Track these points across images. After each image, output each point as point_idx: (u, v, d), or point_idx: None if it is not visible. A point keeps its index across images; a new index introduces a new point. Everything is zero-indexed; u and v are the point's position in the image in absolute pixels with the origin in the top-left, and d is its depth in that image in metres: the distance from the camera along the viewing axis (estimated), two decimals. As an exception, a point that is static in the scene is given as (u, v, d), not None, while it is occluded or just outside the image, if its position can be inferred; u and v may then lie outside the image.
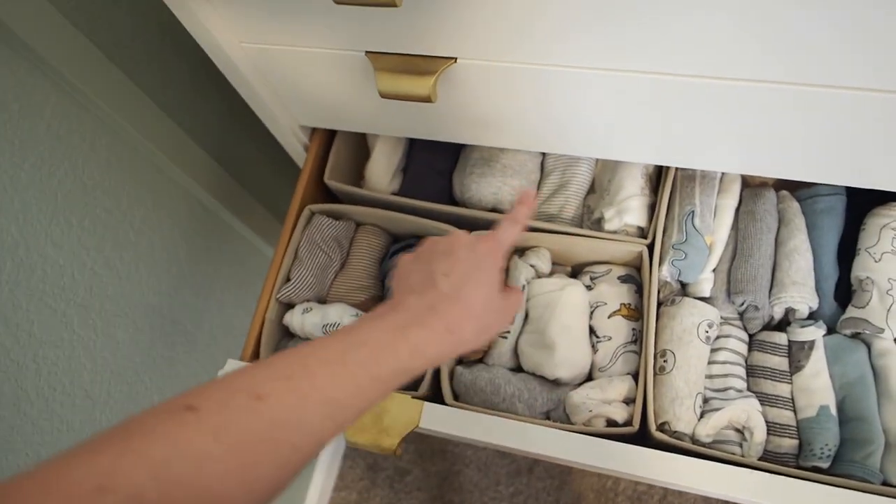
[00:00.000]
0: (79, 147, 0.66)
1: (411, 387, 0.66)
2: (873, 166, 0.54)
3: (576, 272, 0.72)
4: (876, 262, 0.58)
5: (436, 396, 0.64)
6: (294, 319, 0.70)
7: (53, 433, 0.68)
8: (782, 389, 0.60)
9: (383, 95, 0.58)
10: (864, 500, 0.52)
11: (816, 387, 0.58)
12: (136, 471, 0.28)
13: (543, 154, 0.74)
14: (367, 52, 0.57)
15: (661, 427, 0.58)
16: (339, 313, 0.68)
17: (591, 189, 0.73)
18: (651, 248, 0.64)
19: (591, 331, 0.67)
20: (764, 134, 0.53)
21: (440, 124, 0.64)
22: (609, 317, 0.66)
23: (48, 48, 0.60)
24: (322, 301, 0.73)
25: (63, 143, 0.65)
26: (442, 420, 0.60)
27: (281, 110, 0.69)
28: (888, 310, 0.57)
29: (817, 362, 0.59)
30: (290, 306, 0.72)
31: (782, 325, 0.63)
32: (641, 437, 0.60)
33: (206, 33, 0.56)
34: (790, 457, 0.58)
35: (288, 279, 0.71)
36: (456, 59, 0.55)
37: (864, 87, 0.45)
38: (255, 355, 0.68)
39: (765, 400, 0.60)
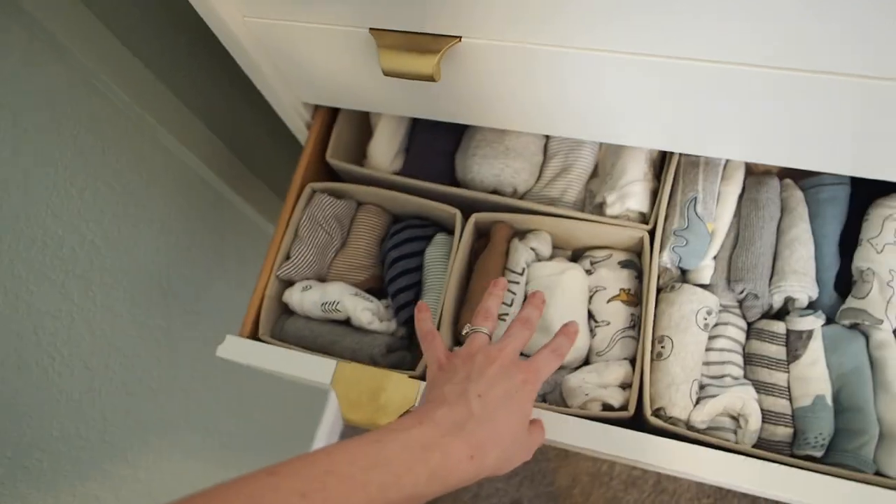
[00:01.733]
0: (80, 119, 0.66)
1: (409, 366, 0.66)
2: (879, 156, 0.54)
3: (576, 256, 0.72)
4: (878, 253, 0.58)
5: (433, 376, 0.64)
6: (293, 297, 0.70)
7: (52, 403, 0.69)
8: (779, 378, 0.60)
9: (386, 73, 0.57)
10: (856, 490, 0.52)
11: (813, 376, 0.58)
12: None
13: (547, 137, 0.73)
14: (371, 28, 0.57)
15: (657, 412, 0.59)
16: (339, 292, 0.68)
17: (594, 173, 0.73)
18: (652, 233, 0.64)
19: (590, 315, 0.67)
20: (770, 122, 0.53)
21: (443, 104, 0.64)
22: (608, 301, 0.66)
23: (51, 19, 0.59)
24: (322, 279, 0.73)
25: (64, 115, 0.64)
26: (438, 400, 0.60)
27: (284, 87, 0.69)
28: (888, 301, 0.57)
29: (815, 352, 0.59)
30: (289, 284, 0.72)
31: (781, 314, 0.63)
32: (637, 422, 0.60)
33: (208, 6, 0.56)
34: (784, 445, 0.58)
35: (288, 257, 0.71)
36: (461, 38, 0.55)
37: (873, 75, 0.45)
38: (254, 331, 0.69)
39: (761, 388, 0.60)
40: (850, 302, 0.59)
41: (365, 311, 0.67)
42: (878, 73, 0.44)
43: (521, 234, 0.70)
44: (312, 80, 0.67)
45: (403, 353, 0.69)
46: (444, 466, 0.41)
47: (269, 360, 0.65)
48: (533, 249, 0.68)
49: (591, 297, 0.67)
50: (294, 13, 0.57)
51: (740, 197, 0.65)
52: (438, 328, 0.64)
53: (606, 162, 0.71)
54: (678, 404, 0.58)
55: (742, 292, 0.61)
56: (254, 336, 0.69)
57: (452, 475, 0.41)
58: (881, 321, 0.56)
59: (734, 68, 0.48)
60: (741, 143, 0.57)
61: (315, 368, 0.63)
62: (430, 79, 0.56)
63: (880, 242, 0.58)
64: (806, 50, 0.44)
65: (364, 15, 0.56)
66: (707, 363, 0.61)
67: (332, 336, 0.68)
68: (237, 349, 0.66)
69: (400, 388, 0.60)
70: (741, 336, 0.62)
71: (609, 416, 0.59)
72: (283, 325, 0.71)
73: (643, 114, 0.57)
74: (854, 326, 0.60)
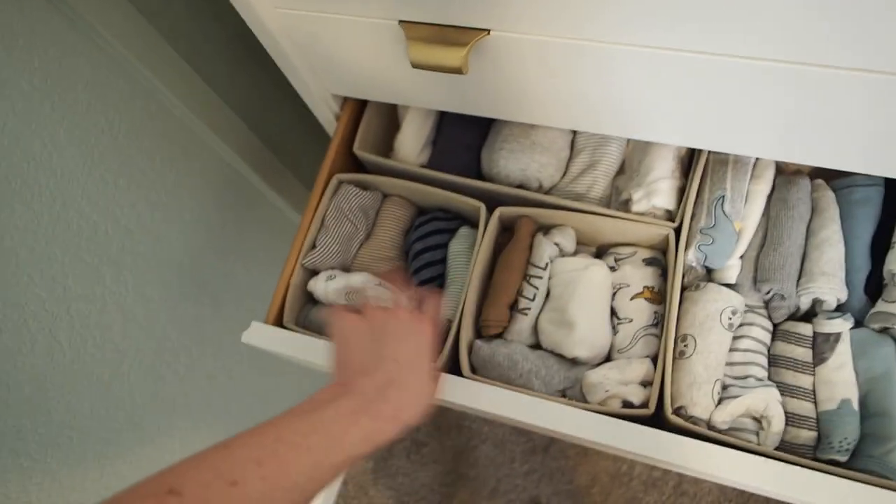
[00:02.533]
0: (115, 107, 0.68)
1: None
2: None
3: (601, 253, 0.71)
4: (910, 256, 0.57)
5: (453, 369, 0.65)
6: (318, 286, 0.71)
7: (83, 383, 0.71)
8: (804, 381, 0.59)
9: (415, 65, 0.57)
10: (881, 496, 0.52)
11: (839, 380, 0.57)
12: None
13: (574, 132, 0.73)
14: (400, 20, 0.57)
15: (678, 411, 0.58)
16: (363, 281, 0.69)
17: (621, 170, 0.72)
18: (678, 231, 0.63)
19: (613, 312, 0.67)
20: (801, 120, 0.52)
21: (471, 97, 0.64)
22: (631, 299, 0.65)
23: (91, 11, 0.61)
24: (347, 269, 0.74)
25: (101, 102, 0.66)
26: (457, 391, 0.60)
27: (313, 78, 0.70)
28: (920, 306, 0.55)
29: (842, 355, 0.58)
30: (314, 273, 0.73)
31: (808, 315, 0.62)
32: (657, 421, 0.60)
33: (241, -3, 0.57)
34: (807, 448, 0.57)
35: (314, 246, 0.72)
36: (489, 31, 0.55)
37: (908, 73, 0.44)
38: (279, 319, 0.70)
39: (785, 390, 0.59)
40: (881, 306, 0.58)
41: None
42: (913, 72, 0.44)
43: (546, 229, 0.70)
44: (341, 72, 0.68)
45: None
46: (374, 428, 0.46)
47: (292, 347, 0.66)
48: (557, 245, 0.68)
49: (614, 294, 0.67)
50: (324, 4, 0.58)
51: (770, 197, 0.64)
52: (460, 321, 0.65)
53: (633, 159, 0.71)
54: (699, 404, 0.57)
55: (769, 293, 0.60)
56: (279, 324, 0.70)
57: (380, 435, 0.46)
58: (911, 326, 0.55)
59: (762, 64, 0.47)
60: (770, 142, 0.57)
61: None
62: (458, 71, 0.56)
63: (913, 245, 0.57)
64: (838, 46, 0.44)
65: (394, 7, 0.56)
66: (731, 363, 0.61)
67: (356, 325, 0.68)
68: (261, 336, 0.67)
69: (420, 378, 0.61)
70: (766, 337, 0.62)
71: (629, 414, 0.59)
72: (308, 314, 0.72)
73: (671, 110, 0.57)
74: (884, 331, 0.59)
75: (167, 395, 0.85)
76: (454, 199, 0.71)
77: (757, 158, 0.65)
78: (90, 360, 0.71)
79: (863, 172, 0.61)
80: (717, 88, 0.51)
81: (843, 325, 0.58)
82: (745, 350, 0.60)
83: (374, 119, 0.78)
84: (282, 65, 0.67)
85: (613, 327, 0.66)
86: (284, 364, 0.89)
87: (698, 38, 0.47)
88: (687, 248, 0.62)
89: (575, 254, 0.69)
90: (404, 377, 0.50)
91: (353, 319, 0.55)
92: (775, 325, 0.63)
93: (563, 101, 0.60)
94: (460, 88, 0.63)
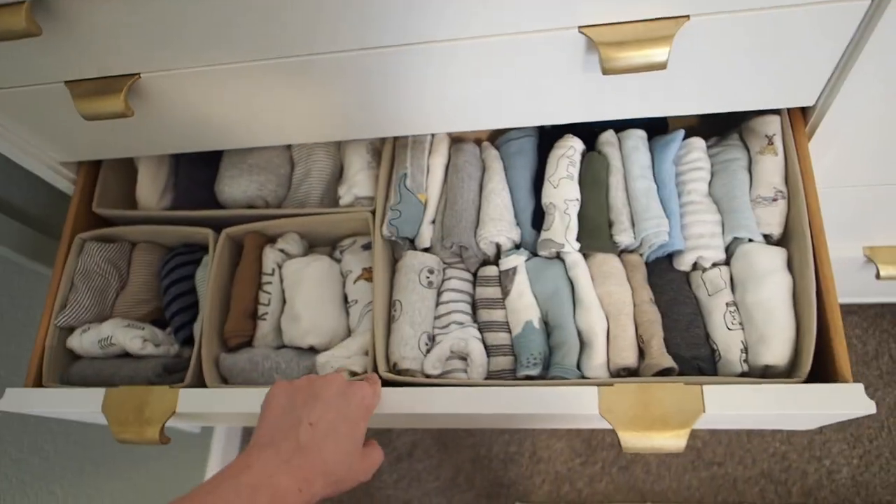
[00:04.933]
0: None
1: (178, 378, 0.71)
2: (543, 106, 0.61)
3: (333, 248, 0.78)
4: (554, 188, 0.66)
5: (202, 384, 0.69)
6: (74, 341, 0.74)
7: None
8: (497, 315, 0.66)
9: (87, 118, 0.63)
10: (562, 393, 0.59)
11: (521, 306, 0.65)
12: None
13: (290, 147, 0.80)
14: (65, 81, 0.62)
15: (393, 368, 0.64)
16: (111, 327, 0.73)
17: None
18: (375, 213, 0.70)
19: (346, 298, 0.73)
20: (454, 94, 0.60)
21: (161, 136, 0.70)
22: (355, 282, 0.72)
23: None
24: (105, 320, 0.77)
25: None
26: (200, 401, 0.65)
27: (34, 153, 0.74)
28: (567, 227, 0.64)
29: (520, 285, 0.66)
30: (72, 330, 0.76)
31: (498, 259, 0.70)
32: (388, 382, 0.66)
33: None
34: (508, 372, 0.64)
35: (64, 306, 0.75)
36: (139, 74, 0.61)
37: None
38: (38, 381, 0.72)
39: (484, 327, 0.66)
40: (543, 234, 0.66)
41: (135, 338, 0.71)
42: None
43: (273, 239, 0.76)
44: (51, 140, 0.73)
45: (184, 372, 0.73)
46: (275, 503, 0.44)
47: (53, 404, 0.69)
48: (282, 251, 0.74)
49: (344, 282, 0.73)
50: (2, 79, 0.62)
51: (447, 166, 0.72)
52: (200, 338, 0.69)
53: (343, 159, 0.78)
54: (408, 356, 0.64)
55: (451, 246, 0.68)
56: (38, 385, 0.72)
57: None
58: (562, 245, 0.64)
59: (397, 50, 0.55)
60: (435, 118, 0.65)
61: (87, 400, 0.67)
62: (124, 115, 0.62)
63: (556, 178, 0.66)
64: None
65: (55, 70, 0.61)
66: (437, 316, 0.68)
67: (112, 369, 0.72)
68: (18, 400, 0.69)
69: (162, 399, 0.65)
70: (467, 286, 0.69)
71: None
72: (70, 370, 0.74)
73: (332, 111, 0.64)
74: (557, 256, 0.67)
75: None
76: (189, 233, 0.76)
77: (432, 135, 0.73)
78: None
79: (513, 127, 0.70)
80: (374, 81, 0.59)
81: (517, 259, 0.67)
82: (447, 302, 0.68)
83: (112, 174, 0.82)
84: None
85: (348, 311, 0.72)
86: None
87: (314, 41, 0.55)
88: (382, 225, 0.69)
89: (306, 255, 0.76)
90: (317, 442, 0.48)
91: (280, 385, 0.54)
92: (474, 274, 0.70)
93: (241, 122, 0.67)
94: (146, 130, 0.68)
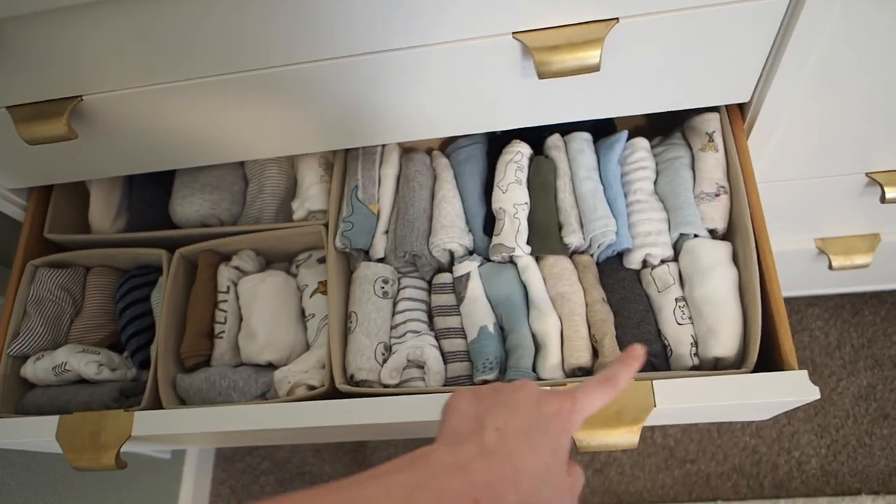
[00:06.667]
0: None
1: (136, 402, 0.70)
2: (493, 112, 0.62)
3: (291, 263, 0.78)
4: (503, 193, 0.67)
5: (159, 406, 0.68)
6: (28, 370, 0.73)
7: None
8: (452, 321, 0.67)
9: (29, 143, 0.62)
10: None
11: (475, 311, 0.65)
12: None
13: (243, 165, 0.80)
14: (6, 106, 0.62)
15: (350, 379, 0.64)
16: (65, 353, 0.72)
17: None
18: (328, 226, 0.70)
19: (304, 312, 0.73)
20: (400, 104, 0.61)
21: (108, 158, 0.69)
22: (311, 296, 0.72)
23: None
24: (59, 347, 0.76)
25: None
26: (156, 423, 0.64)
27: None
28: (517, 231, 0.65)
29: (474, 290, 0.66)
30: (27, 359, 0.75)
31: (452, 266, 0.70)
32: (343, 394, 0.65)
33: None
34: (465, 378, 0.65)
35: (17, 334, 0.74)
36: (81, 96, 0.61)
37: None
38: (-9, 412, 0.71)
39: (441, 335, 0.67)
40: (494, 239, 0.67)
41: (90, 363, 0.70)
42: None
43: (228, 257, 0.75)
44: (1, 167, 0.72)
45: (142, 395, 0.72)
46: None
47: (7, 434, 0.67)
48: (236, 268, 0.73)
49: (301, 296, 0.73)
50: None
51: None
52: (156, 358, 0.68)
53: (297, 174, 0.78)
54: (364, 367, 0.64)
55: (405, 255, 0.68)
56: (-9, 418, 0.71)
57: None
58: (513, 249, 0.64)
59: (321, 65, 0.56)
60: (384, 129, 0.65)
61: (41, 429, 0.65)
62: (68, 138, 0.61)
63: (505, 183, 0.67)
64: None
65: (-5, 96, 0.61)
66: (394, 326, 0.68)
67: (67, 396, 0.71)
68: (-29, 432, 0.68)
69: (117, 424, 0.64)
70: (422, 295, 0.69)
71: (310, 395, 0.64)
72: (24, 399, 0.73)
73: (273, 127, 0.65)
74: (511, 261, 0.68)
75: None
76: (142, 254, 0.76)
77: (383, 146, 0.74)
78: None
79: (461, 134, 0.71)
80: (301, 99, 0.59)
81: (469, 265, 0.67)
82: (403, 311, 0.68)
83: (63, 199, 0.81)
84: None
85: (305, 325, 0.72)
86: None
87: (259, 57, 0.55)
88: (335, 237, 0.69)
89: (262, 271, 0.75)
90: (507, 448, 0.37)
91: (461, 391, 0.44)
92: (429, 282, 0.71)
93: (186, 141, 0.67)
94: (93, 153, 0.68)
